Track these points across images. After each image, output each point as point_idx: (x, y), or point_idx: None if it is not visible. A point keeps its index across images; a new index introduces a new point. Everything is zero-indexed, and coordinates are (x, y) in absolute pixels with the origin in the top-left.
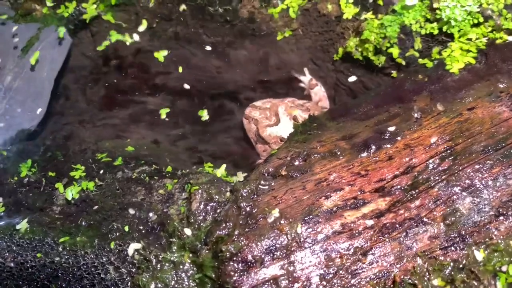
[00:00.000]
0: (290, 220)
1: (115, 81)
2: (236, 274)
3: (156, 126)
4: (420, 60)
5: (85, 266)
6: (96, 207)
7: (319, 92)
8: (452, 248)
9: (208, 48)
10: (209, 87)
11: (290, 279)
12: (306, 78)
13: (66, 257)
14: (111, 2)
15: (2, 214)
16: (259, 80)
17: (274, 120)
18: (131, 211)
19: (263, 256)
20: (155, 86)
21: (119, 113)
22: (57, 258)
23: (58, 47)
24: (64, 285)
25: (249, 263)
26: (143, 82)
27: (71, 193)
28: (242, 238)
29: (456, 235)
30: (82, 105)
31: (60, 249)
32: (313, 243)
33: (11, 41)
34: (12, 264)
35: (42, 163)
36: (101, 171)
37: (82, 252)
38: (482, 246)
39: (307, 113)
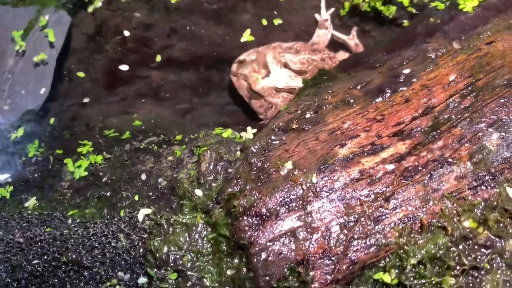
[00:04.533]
0: (304, 170)
1: (118, 58)
2: (250, 229)
3: (162, 99)
4: (432, 3)
5: (95, 236)
6: (105, 179)
7: (322, 37)
8: (482, 187)
9: (211, 15)
10: (215, 56)
11: (309, 230)
12: (321, 17)
13: (76, 229)
14: None
15: (10, 193)
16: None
17: (264, 72)
18: (143, 177)
19: (278, 208)
20: (159, 60)
21: (125, 90)
22: (66, 231)
23: (57, 28)
24: (74, 256)
25: (263, 217)
26: (147, 56)
27: (79, 170)
28: (254, 192)
29: (485, 173)
30: (86, 85)
31: (69, 221)
32: (330, 191)
33: (11, 25)
34: (21, 240)
35: (49, 143)
36: (109, 145)
37: (92, 223)
38: None
39: (298, 55)
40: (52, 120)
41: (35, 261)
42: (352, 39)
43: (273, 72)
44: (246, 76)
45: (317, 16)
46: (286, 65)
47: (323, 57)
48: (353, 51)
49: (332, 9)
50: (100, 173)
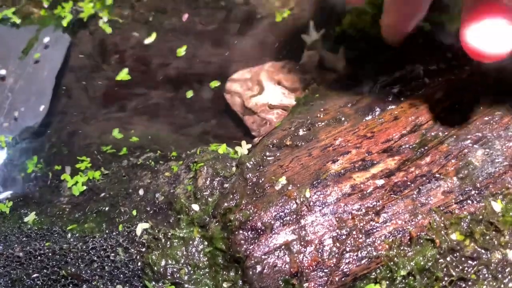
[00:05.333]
0: (298, 185)
1: (116, 76)
2: (246, 243)
3: (159, 116)
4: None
5: (94, 250)
6: (103, 194)
7: (312, 57)
8: (468, 201)
9: (205, 36)
10: (209, 74)
11: (302, 243)
12: (310, 38)
13: (75, 243)
14: (107, 1)
15: (10, 208)
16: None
17: (258, 89)
18: (140, 192)
19: (272, 222)
20: (156, 78)
21: (122, 107)
22: (66, 245)
23: (57, 47)
24: (73, 270)
25: (259, 231)
26: (143, 74)
27: (77, 187)
28: (250, 207)
29: (471, 188)
30: (84, 103)
31: (69, 236)
32: (323, 206)
33: (11, 44)
34: (21, 254)
35: (48, 159)
36: (107, 161)
37: (91, 237)
38: (500, 197)
39: (290, 74)
40: (51, 137)
41: (34, 275)
42: (340, 60)
43: (267, 89)
44: (240, 94)
45: (305, 37)
46: (279, 82)
47: (312, 77)
48: (342, 70)
49: (323, 30)
50: (99, 189)
